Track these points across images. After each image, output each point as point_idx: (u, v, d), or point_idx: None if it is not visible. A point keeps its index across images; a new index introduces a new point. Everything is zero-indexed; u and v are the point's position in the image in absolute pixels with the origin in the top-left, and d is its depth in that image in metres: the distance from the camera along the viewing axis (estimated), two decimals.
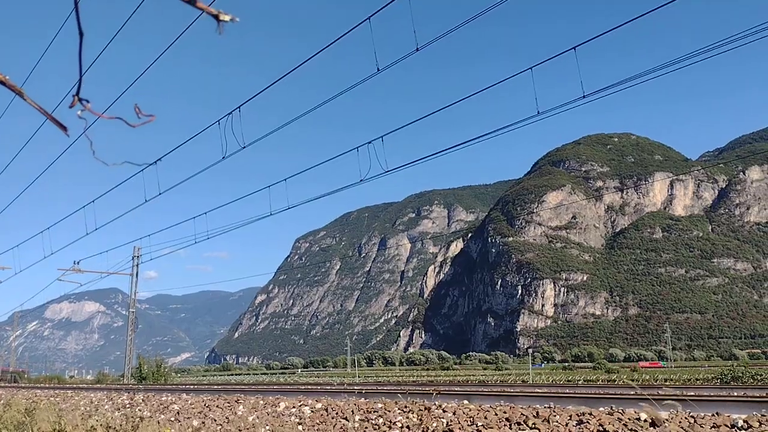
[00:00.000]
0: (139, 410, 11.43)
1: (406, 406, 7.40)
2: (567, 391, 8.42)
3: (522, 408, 6.41)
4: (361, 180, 17.61)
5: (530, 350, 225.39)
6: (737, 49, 11.72)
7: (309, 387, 14.26)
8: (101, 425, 9.17)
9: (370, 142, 17.10)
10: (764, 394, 6.51)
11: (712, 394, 6.96)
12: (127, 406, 12.56)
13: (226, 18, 1.93)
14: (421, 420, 6.65)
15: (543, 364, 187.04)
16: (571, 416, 5.74)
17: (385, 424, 6.87)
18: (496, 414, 6.32)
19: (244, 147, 16.79)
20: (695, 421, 5.04)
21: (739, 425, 4.86)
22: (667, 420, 5.11)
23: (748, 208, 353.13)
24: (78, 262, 48.11)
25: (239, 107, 16.31)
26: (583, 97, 12.91)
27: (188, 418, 9.73)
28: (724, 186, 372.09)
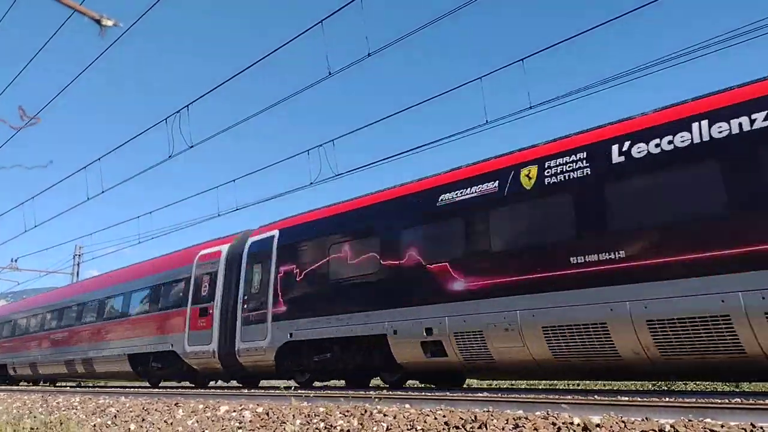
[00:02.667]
0: (74, 413, 11.14)
1: (347, 411, 7.41)
2: (508, 395, 8.64)
3: (461, 412, 6.51)
4: (311, 183, 17.54)
5: None
6: (685, 64, 12.12)
7: (252, 390, 14.13)
8: (32, 428, 8.91)
9: (321, 145, 17.05)
10: (694, 400, 6.78)
11: (644, 399, 7.21)
12: (62, 408, 12.22)
13: (109, 23, 1.92)
14: (361, 424, 6.67)
15: None
16: (507, 420, 5.86)
17: (326, 428, 6.86)
18: (436, 418, 6.40)
19: (192, 146, 16.54)
20: (625, 426, 5.21)
21: (666, 430, 5.04)
22: (599, 425, 5.27)
23: None
24: (16, 260, 46.49)
25: (187, 106, 16.07)
26: (530, 108, 13.17)
27: (125, 421, 9.53)
28: None
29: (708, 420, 5.24)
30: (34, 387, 26.20)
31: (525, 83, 12.49)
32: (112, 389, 19.96)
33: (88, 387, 25.47)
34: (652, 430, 5.10)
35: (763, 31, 10.45)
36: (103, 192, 21.63)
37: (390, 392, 10.54)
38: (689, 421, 5.22)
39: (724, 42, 10.74)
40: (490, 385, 16.47)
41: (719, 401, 6.58)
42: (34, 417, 10.99)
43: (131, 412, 10.47)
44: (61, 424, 8.73)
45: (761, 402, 6.24)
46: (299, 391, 10.80)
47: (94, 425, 9.66)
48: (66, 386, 26.01)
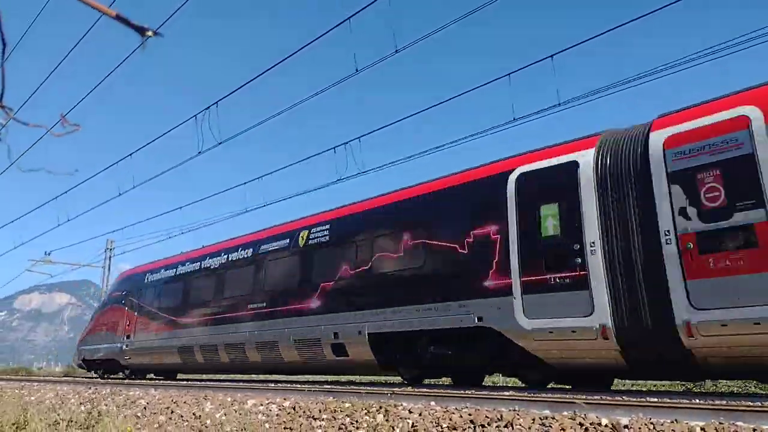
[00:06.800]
0: (105, 405, 11.33)
1: (372, 406, 7.43)
2: (534, 394, 8.51)
3: (487, 410, 6.48)
4: (337, 180, 17.62)
5: None
6: (716, 60, 11.88)
7: (279, 385, 14.23)
8: (63, 419, 9.09)
9: (347, 143, 17.12)
10: (724, 403, 6.65)
11: (674, 400, 7.08)
12: (93, 400, 12.43)
13: (150, 34, 1.93)
14: (386, 420, 6.68)
15: None
16: (534, 419, 5.81)
17: (351, 423, 6.89)
18: (461, 416, 6.38)
19: (221, 143, 16.70)
20: (654, 427, 5.13)
21: None
22: (627, 426, 5.20)
23: None
24: (49, 253, 47.35)
25: (216, 103, 16.20)
26: (558, 105, 13.01)
27: (154, 413, 9.67)
28: None
29: (740, 423, 5.14)
30: (66, 378, 26.08)
31: (554, 80, 12.36)
32: (143, 382, 20.21)
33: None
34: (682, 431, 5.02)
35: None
36: (134, 187, 21.99)
37: (417, 389, 10.52)
38: (720, 423, 5.12)
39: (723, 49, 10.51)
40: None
41: (750, 404, 6.45)
42: (67, 409, 11.21)
43: (160, 404, 10.62)
44: (90, 414, 8.90)
45: None
46: (324, 386, 10.86)
47: (125, 416, 9.82)
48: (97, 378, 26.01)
